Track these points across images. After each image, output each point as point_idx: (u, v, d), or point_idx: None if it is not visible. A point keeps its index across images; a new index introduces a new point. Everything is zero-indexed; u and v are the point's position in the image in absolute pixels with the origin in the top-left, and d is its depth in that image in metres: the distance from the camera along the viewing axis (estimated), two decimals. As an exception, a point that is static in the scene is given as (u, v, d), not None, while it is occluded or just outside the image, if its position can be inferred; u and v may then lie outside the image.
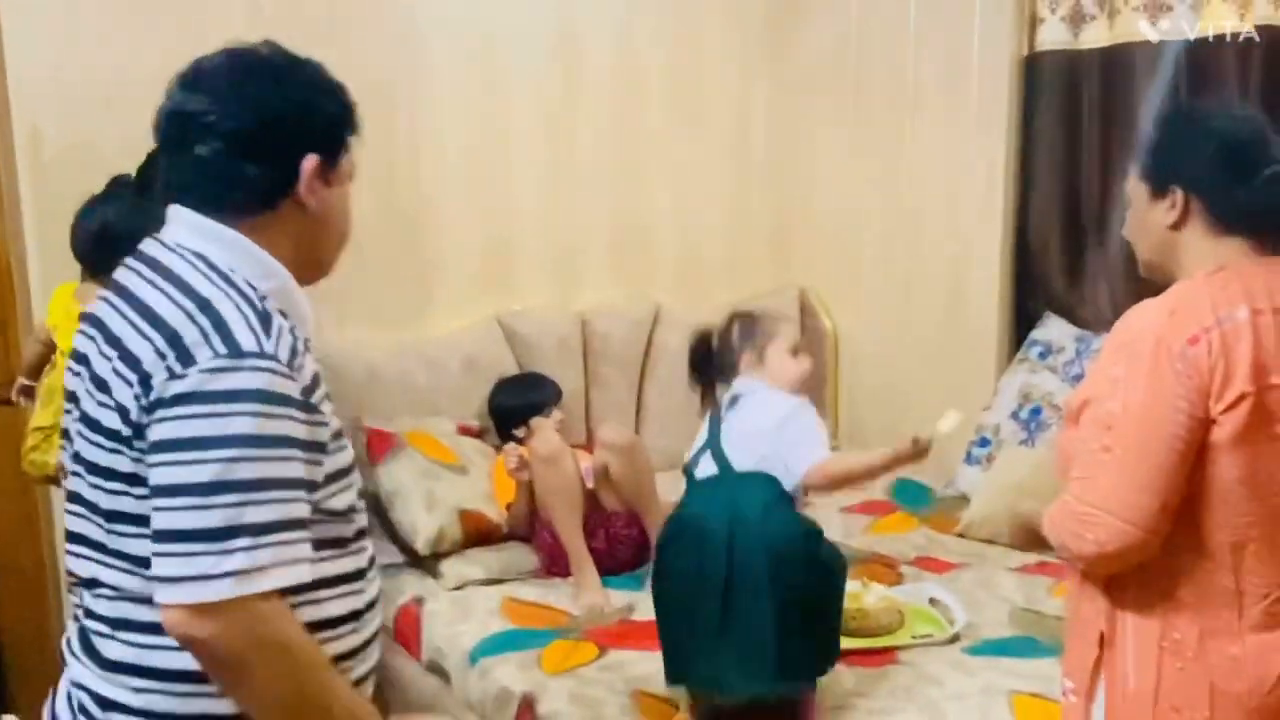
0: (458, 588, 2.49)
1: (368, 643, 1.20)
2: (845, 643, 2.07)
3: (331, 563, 1.14)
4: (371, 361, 2.81)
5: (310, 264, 1.20)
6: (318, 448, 1.11)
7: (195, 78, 1.13)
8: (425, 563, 2.58)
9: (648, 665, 2.10)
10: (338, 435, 1.17)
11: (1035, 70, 2.90)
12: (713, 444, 1.97)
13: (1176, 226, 1.31)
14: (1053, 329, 2.96)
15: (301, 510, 1.07)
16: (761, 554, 1.79)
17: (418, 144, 2.89)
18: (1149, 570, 1.26)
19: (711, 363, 2.08)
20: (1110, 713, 1.28)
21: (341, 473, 1.17)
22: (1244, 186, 1.28)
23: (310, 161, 1.13)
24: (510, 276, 3.10)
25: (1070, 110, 2.85)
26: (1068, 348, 2.91)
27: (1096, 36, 2.77)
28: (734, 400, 2.01)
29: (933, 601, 2.33)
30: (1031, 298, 3.04)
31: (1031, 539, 1.57)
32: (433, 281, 2.99)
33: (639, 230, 3.33)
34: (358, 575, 1.18)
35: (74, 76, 2.46)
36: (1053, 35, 2.84)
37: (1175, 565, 1.25)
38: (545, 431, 2.62)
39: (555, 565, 2.55)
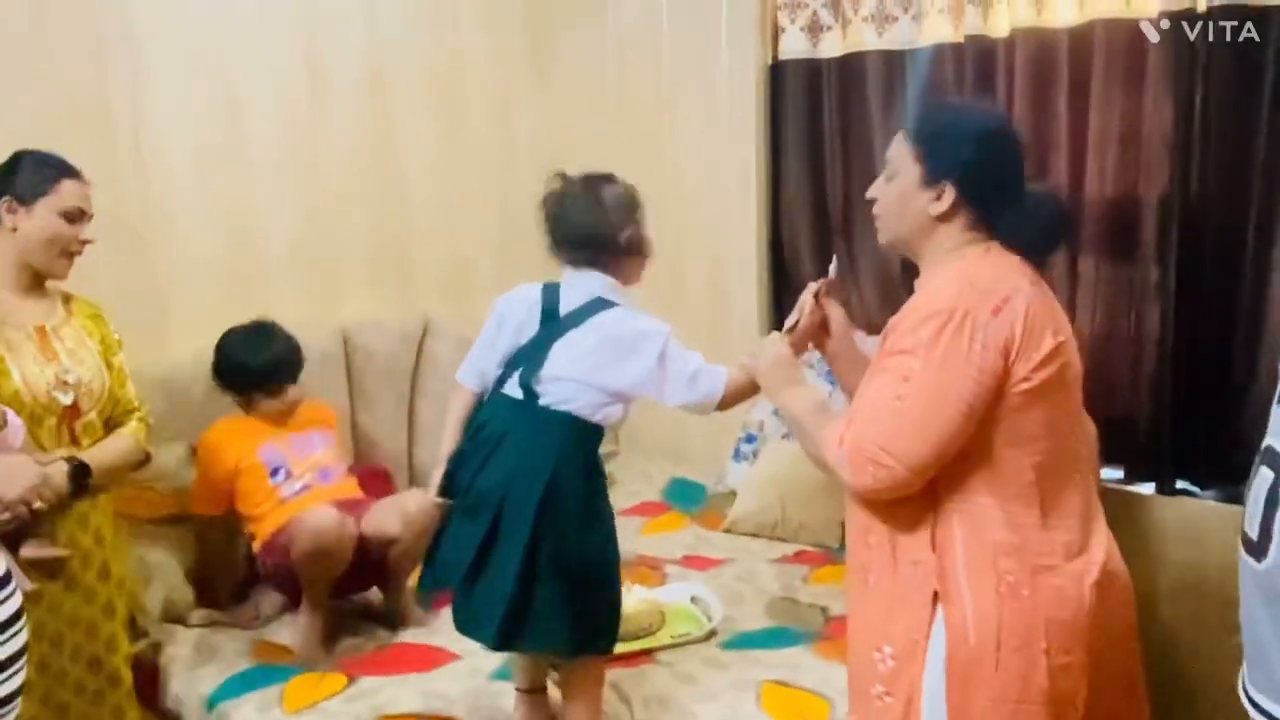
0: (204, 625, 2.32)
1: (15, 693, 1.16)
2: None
3: None
4: (99, 389, 2.57)
5: None
6: None
7: None
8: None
9: (396, 689, 2.02)
10: None
11: (780, 76, 3.01)
12: (535, 359, 1.73)
13: (942, 218, 1.39)
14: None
15: None
16: (532, 509, 1.67)
17: (142, 154, 2.67)
18: (971, 520, 1.33)
19: (582, 230, 1.79)
20: (952, 667, 1.32)
21: None
22: (1015, 206, 1.38)
23: None
24: (259, 292, 2.91)
25: (812, 113, 2.98)
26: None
27: (832, 46, 2.90)
28: (582, 316, 1.76)
29: (694, 600, 2.36)
30: (789, 294, 3.14)
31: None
32: (168, 299, 2.76)
33: (403, 240, 3.23)
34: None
35: None
36: (794, 45, 2.96)
37: (993, 512, 1.33)
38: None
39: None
